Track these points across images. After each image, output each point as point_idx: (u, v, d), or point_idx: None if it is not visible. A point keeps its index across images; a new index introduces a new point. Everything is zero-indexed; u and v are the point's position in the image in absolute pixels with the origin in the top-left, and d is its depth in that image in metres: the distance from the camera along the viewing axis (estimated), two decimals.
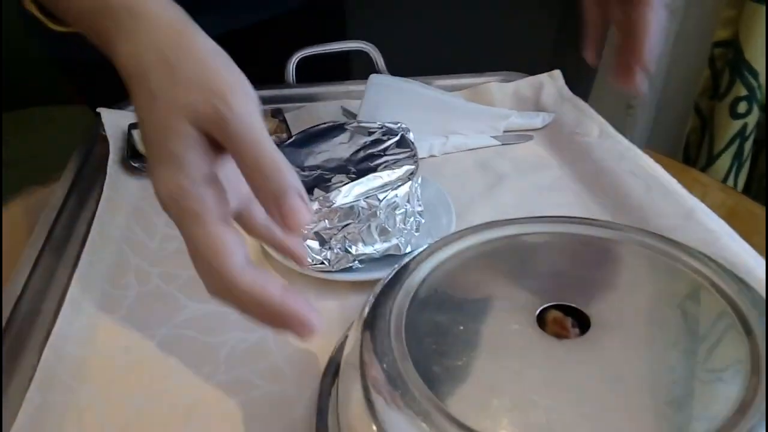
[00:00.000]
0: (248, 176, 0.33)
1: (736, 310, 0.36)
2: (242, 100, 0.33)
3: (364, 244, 0.52)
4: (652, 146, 1.09)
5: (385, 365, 0.35)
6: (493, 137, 0.76)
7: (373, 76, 0.74)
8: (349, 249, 0.52)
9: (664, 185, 0.60)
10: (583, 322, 0.36)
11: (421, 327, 0.37)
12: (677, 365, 0.34)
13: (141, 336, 0.49)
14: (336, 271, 0.53)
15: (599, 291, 0.39)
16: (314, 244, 0.52)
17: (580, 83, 1.29)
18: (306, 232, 0.35)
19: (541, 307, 0.37)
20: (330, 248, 0.52)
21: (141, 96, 0.35)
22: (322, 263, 0.52)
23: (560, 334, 0.36)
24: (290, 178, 0.33)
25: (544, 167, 0.70)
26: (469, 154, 0.74)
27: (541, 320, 0.37)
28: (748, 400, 0.30)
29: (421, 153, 0.72)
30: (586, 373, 0.34)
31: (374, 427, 0.33)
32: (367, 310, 0.40)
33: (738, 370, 0.32)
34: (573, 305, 0.37)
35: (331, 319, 0.50)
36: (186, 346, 0.48)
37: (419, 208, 0.56)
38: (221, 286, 0.32)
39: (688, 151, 1.14)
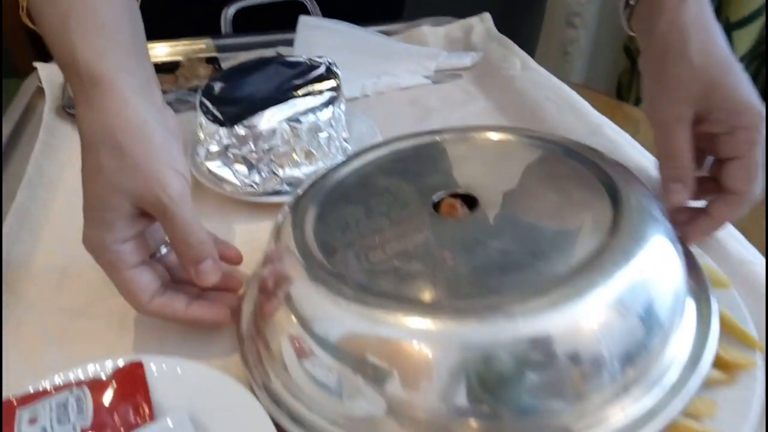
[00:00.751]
0: (176, 245, 0.41)
1: (609, 186, 0.40)
2: (178, 186, 0.40)
3: (291, 166, 0.55)
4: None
5: (297, 243, 0.39)
6: (425, 76, 0.79)
7: (303, 18, 0.76)
8: (276, 172, 0.55)
9: (575, 106, 0.64)
10: (473, 205, 0.40)
11: (333, 217, 0.42)
12: (548, 228, 0.38)
13: (75, 258, 0.51)
14: (265, 194, 0.56)
15: (491, 180, 0.43)
16: (242, 168, 0.55)
17: (528, 39, 1.34)
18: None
19: (437, 196, 0.41)
20: (258, 172, 0.55)
21: (90, 164, 0.40)
22: (251, 186, 0.55)
23: (452, 215, 0.39)
24: (207, 248, 0.41)
25: (471, 101, 0.74)
26: (401, 93, 0.77)
27: (437, 207, 0.41)
28: (601, 253, 0.35)
29: (354, 93, 0.75)
30: (471, 238, 0.38)
31: (287, 298, 0.37)
32: (287, 207, 0.43)
33: (600, 231, 0.36)
34: (465, 192, 0.41)
35: (262, 240, 0.53)
36: None
37: (345, 134, 0.59)
38: (137, 310, 0.42)
39: (621, 92, 1.20)
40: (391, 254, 0.38)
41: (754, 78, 1.07)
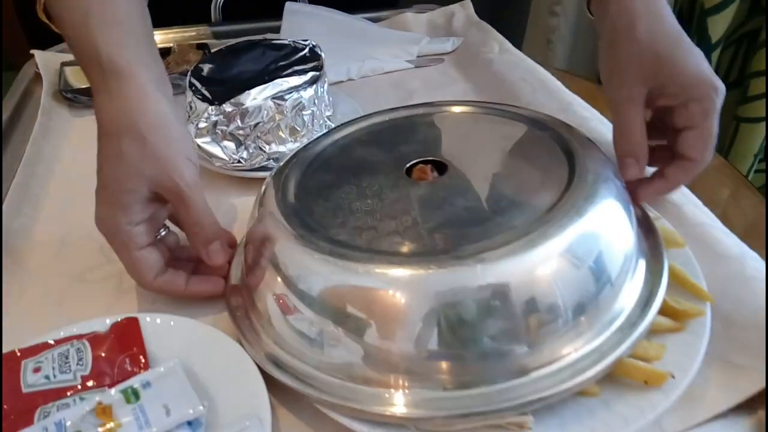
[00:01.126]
0: (189, 227, 0.45)
1: (568, 152, 0.43)
2: (193, 174, 0.44)
3: (277, 143, 0.58)
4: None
5: (279, 206, 0.42)
6: (408, 61, 0.82)
7: (289, 4, 0.79)
8: (263, 148, 0.58)
9: (548, 86, 0.67)
10: (443, 170, 0.43)
11: (313, 183, 0.45)
12: (509, 188, 0.42)
13: (72, 229, 0.54)
14: (252, 170, 0.59)
15: (460, 148, 0.47)
16: (231, 144, 0.58)
17: (514, 29, 1.37)
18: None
19: (410, 163, 0.44)
20: (245, 148, 0.58)
21: (109, 151, 0.42)
22: (239, 162, 0.58)
23: (423, 179, 0.43)
24: (217, 230, 0.46)
25: (451, 83, 0.77)
26: (385, 77, 0.80)
27: (410, 172, 0.44)
28: (555, 208, 0.38)
29: (340, 76, 0.78)
30: (440, 198, 0.42)
31: (270, 257, 0.40)
32: (270, 176, 0.47)
33: (556, 190, 0.40)
34: (435, 159, 0.44)
35: (249, 212, 0.56)
36: None
37: (328, 113, 0.62)
38: (142, 287, 0.46)
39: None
40: (367, 213, 0.41)
41: (731, 63, 1.11)
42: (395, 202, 0.42)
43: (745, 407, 0.40)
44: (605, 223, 0.39)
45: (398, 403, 0.36)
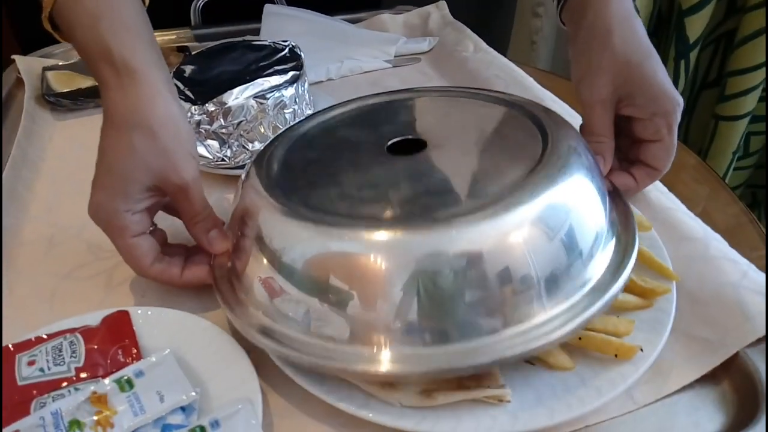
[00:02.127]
0: (191, 217, 0.47)
1: (543, 130, 0.45)
2: (196, 170, 0.46)
3: (260, 141, 0.60)
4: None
5: (263, 181, 0.44)
6: (386, 61, 0.84)
7: (267, 6, 0.81)
8: (246, 146, 0.60)
9: (521, 82, 0.70)
10: (422, 147, 0.45)
11: (296, 160, 0.47)
12: (485, 162, 0.44)
13: (60, 229, 0.56)
14: (236, 167, 0.60)
15: (440, 128, 0.49)
16: (214, 143, 0.59)
17: (500, 31, 1.40)
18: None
19: (391, 141, 0.46)
20: (229, 146, 0.59)
21: (118, 143, 0.44)
22: (223, 160, 0.60)
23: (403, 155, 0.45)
24: (216, 219, 0.48)
25: (427, 82, 0.79)
26: (363, 76, 0.82)
27: (391, 150, 0.46)
28: (527, 180, 0.39)
29: (320, 76, 0.80)
30: (418, 171, 0.44)
31: (254, 229, 0.42)
32: (254, 157, 0.49)
33: (532, 159, 0.42)
34: (415, 137, 0.46)
35: None
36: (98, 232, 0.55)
37: (309, 111, 0.64)
38: (138, 274, 0.47)
39: None
40: (348, 185, 0.43)
41: (710, 62, 1.13)
42: (375, 175, 0.44)
43: (709, 378, 0.42)
44: (575, 194, 0.40)
45: (383, 360, 0.37)
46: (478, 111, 0.50)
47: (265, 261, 0.41)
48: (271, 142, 0.50)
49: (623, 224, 0.45)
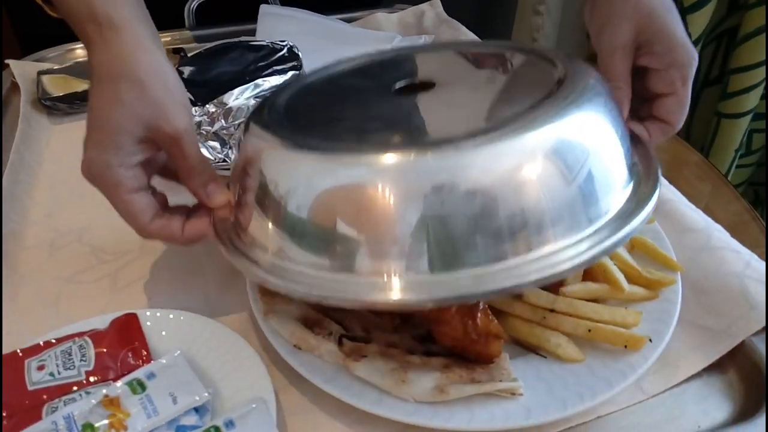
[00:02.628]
0: (185, 170, 0.45)
1: (559, 70, 0.43)
2: (189, 119, 0.44)
3: None
4: None
5: (266, 121, 0.43)
6: None
7: (263, 7, 0.80)
8: None
9: None
10: (430, 87, 0.45)
11: (300, 105, 0.46)
12: (495, 98, 0.44)
13: (61, 232, 0.55)
14: None
15: (450, 72, 0.48)
16: (216, 144, 0.59)
17: (502, 29, 1.40)
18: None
19: (398, 85, 0.46)
20: (230, 147, 0.59)
21: (106, 96, 0.42)
22: (224, 161, 0.59)
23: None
24: (213, 173, 0.46)
25: None
26: None
27: (399, 92, 0.45)
28: (537, 109, 0.38)
29: None
30: (426, 106, 0.43)
31: (257, 169, 0.41)
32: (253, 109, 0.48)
33: (548, 88, 0.40)
34: (423, 80, 0.46)
35: None
36: (100, 235, 0.55)
37: None
38: (138, 232, 0.45)
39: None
40: (355, 120, 0.43)
41: (712, 60, 1.14)
42: (384, 112, 0.43)
43: (716, 367, 0.43)
44: (596, 119, 0.39)
45: (394, 287, 0.36)
46: (492, 58, 0.49)
47: (271, 196, 0.39)
48: (271, 93, 0.48)
49: (644, 165, 0.44)
